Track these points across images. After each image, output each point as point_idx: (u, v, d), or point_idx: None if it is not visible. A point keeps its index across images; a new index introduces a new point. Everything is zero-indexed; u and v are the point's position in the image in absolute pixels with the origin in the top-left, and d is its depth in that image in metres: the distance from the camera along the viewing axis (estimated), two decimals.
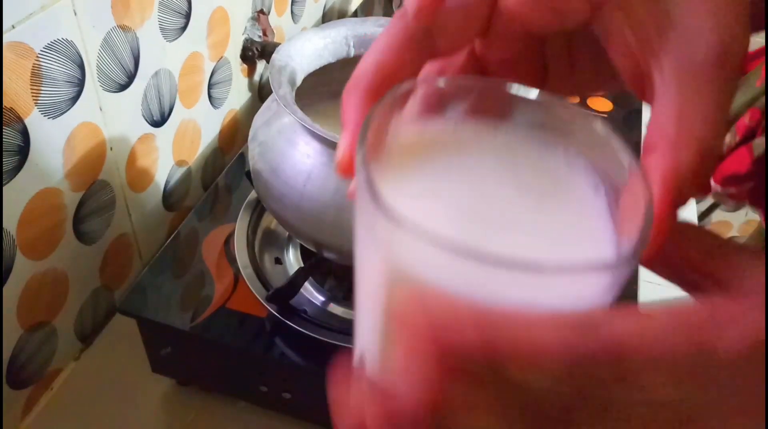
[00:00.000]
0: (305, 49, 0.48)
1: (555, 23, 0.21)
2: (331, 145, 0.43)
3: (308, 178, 0.44)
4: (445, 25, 0.20)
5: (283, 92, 0.43)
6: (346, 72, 0.56)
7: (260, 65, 0.76)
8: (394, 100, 0.19)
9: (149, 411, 0.55)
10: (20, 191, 0.46)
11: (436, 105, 0.21)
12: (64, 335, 0.55)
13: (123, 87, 0.54)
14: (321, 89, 0.55)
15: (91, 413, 0.54)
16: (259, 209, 0.58)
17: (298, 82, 0.48)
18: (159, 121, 0.60)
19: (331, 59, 0.50)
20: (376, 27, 0.51)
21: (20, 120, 0.44)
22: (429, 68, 0.22)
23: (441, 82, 0.21)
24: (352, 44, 0.50)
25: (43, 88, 0.45)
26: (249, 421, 0.53)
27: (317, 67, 0.49)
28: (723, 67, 0.20)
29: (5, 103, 0.42)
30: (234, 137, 0.74)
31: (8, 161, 0.44)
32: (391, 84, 0.20)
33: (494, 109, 0.20)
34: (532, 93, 0.20)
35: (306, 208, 0.44)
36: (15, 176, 0.45)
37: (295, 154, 0.44)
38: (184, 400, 0.55)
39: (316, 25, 0.62)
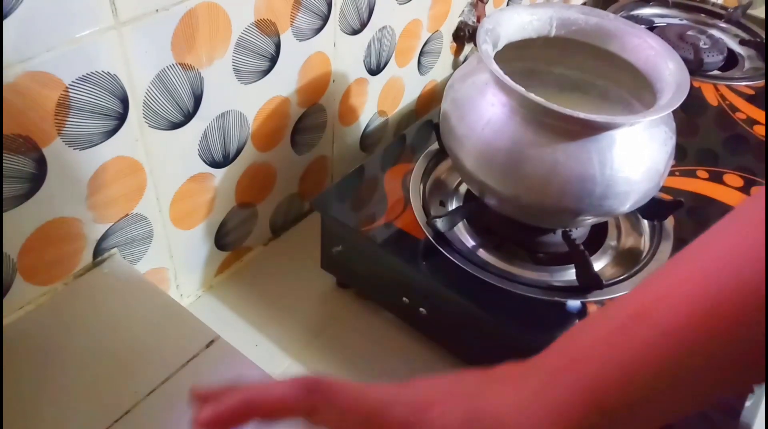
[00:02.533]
0: (512, 20, 0.55)
1: None
2: (516, 98, 0.49)
3: (487, 123, 0.51)
4: None
5: (485, 47, 0.51)
6: (544, 52, 0.62)
7: (467, 48, 0.85)
8: None
9: (310, 303, 0.65)
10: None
11: None
12: (261, 221, 0.67)
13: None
14: (516, 64, 0.62)
15: (263, 290, 0.66)
16: (435, 159, 0.66)
17: (499, 47, 0.55)
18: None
19: (533, 35, 0.57)
20: (579, 14, 0.57)
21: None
22: None
23: None
24: (554, 25, 0.57)
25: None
26: (387, 333, 0.62)
27: (519, 39, 0.56)
28: None
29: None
30: (429, 104, 0.84)
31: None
32: None
33: None
34: None
35: (479, 149, 0.52)
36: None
37: (482, 102, 0.52)
38: (340, 301, 0.65)
39: None
